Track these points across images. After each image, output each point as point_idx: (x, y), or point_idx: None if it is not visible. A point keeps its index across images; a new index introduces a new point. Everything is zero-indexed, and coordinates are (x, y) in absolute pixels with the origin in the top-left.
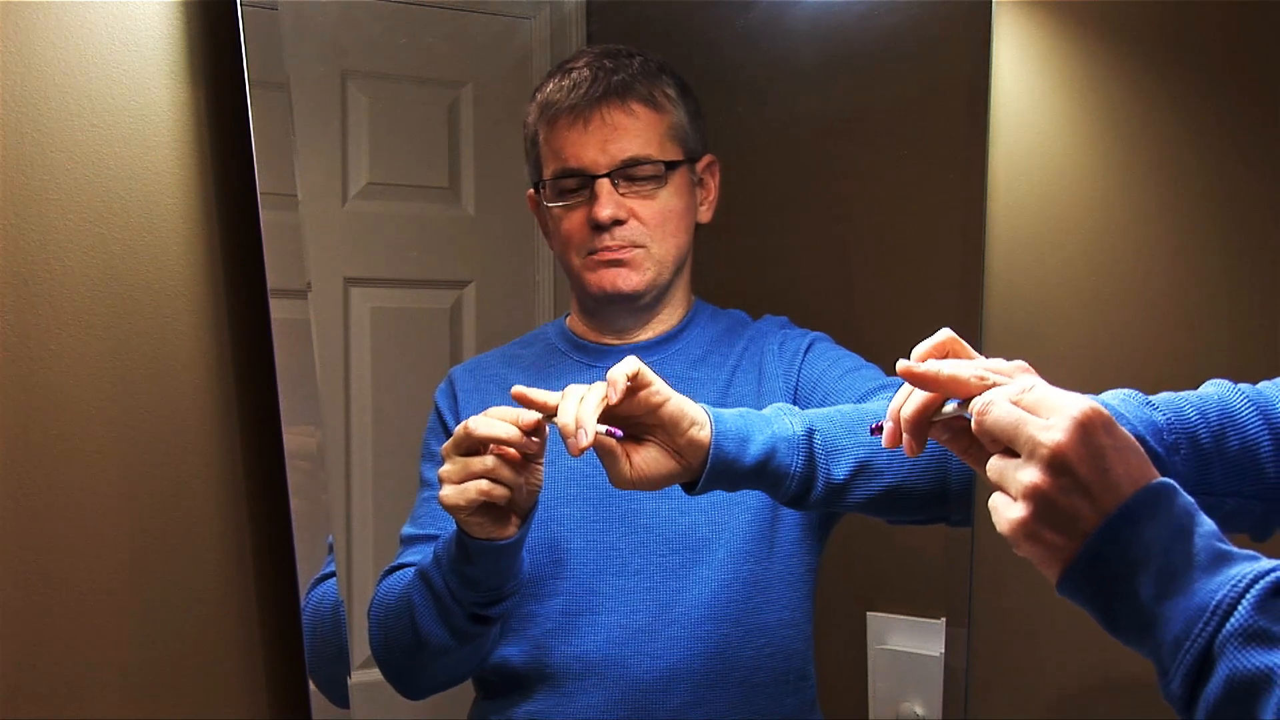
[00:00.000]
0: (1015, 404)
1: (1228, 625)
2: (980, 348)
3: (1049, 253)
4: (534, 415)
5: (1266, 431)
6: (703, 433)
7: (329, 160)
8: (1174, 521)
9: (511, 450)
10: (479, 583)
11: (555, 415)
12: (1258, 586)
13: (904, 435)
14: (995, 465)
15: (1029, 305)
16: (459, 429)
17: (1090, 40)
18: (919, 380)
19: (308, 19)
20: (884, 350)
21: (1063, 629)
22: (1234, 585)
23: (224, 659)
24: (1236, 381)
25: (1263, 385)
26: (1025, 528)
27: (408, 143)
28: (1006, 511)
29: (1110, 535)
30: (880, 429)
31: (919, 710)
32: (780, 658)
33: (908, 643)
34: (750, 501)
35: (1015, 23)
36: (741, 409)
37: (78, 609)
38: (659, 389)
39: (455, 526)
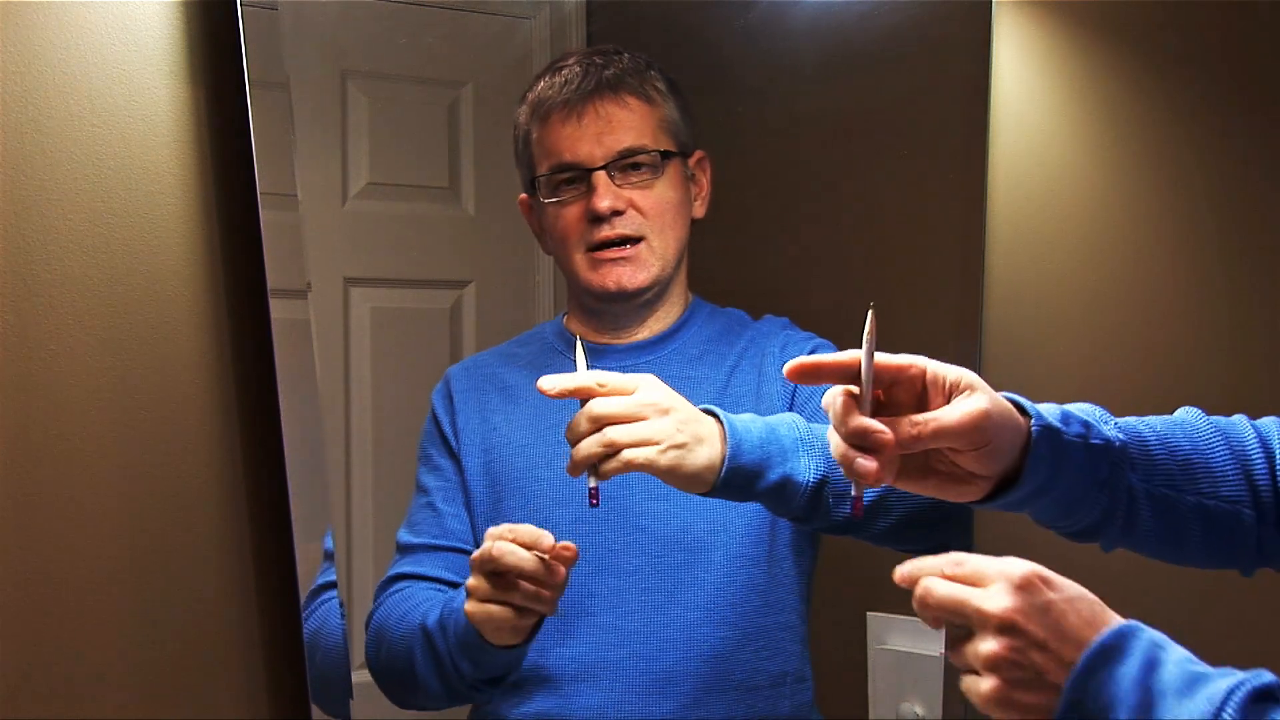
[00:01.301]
0: (953, 579)
1: None
2: (980, 348)
3: (1049, 253)
4: (551, 541)
5: (1221, 442)
6: (714, 463)
7: (329, 160)
8: (1142, 656)
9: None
10: (488, 665)
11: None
12: (1235, 697)
13: (856, 452)
14: (955, 653)
15: (1029, 305)
16: (485, 552)
17: (1090, 40)
18: (803, 371)
19: (308, 19)
20: (884, 351)
21: None
22: (1210, 701)
23: (224, 659)
24: (1235, 385)
25: (1235, 417)
26: (997, 695)
27: (408, 143)
28: (977, 686)
29: (1082, 684)
30: (860, 501)
31: (919, 710)
32: (777, 660)
33: (908, 643)
34: (748, 505)
35: (1015, 23)
36: (766, 429)
37: (78, 609)
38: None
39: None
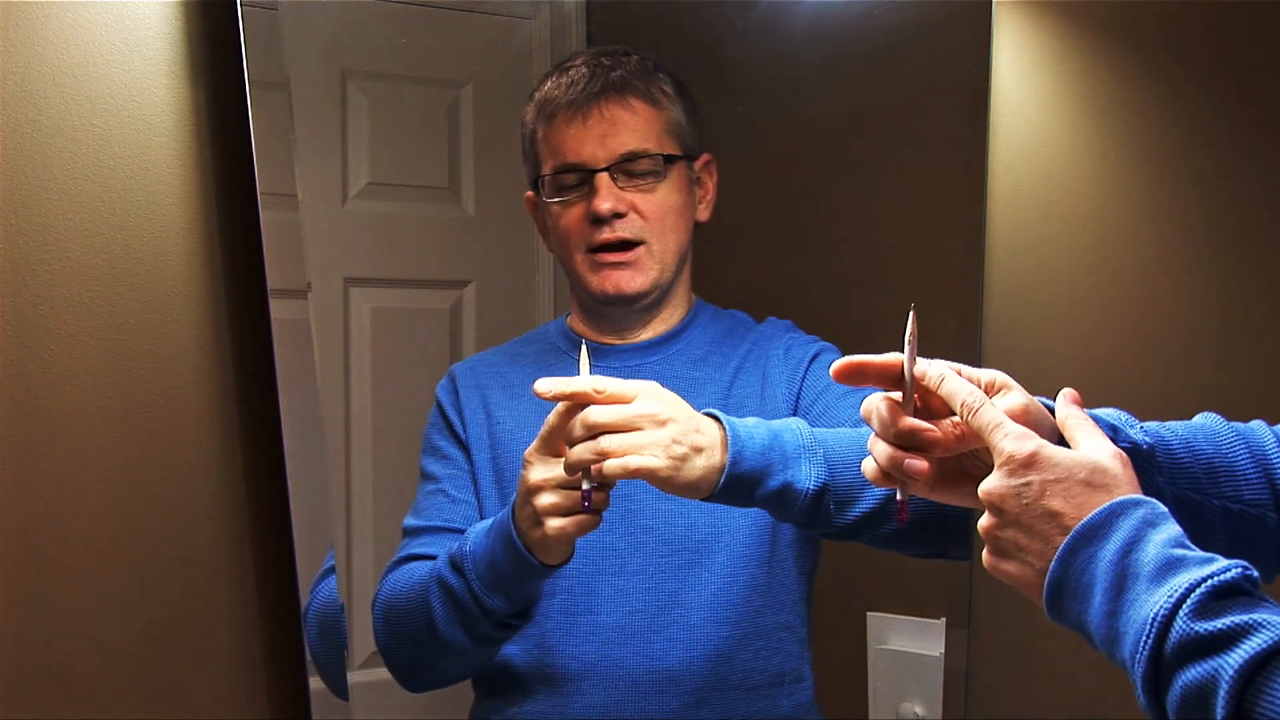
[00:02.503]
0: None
1: (1170, 637)
2: (980, 347)
3: (1049, 253)
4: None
5: (1242, 446)
6: (712, 472)
7: (329, 160)
8: (1126, 535)
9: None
10: (519, 596)
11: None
12: (1196, 593)
13: (905, 454)
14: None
15: (1029, 305)
16: (587, 451)
17: (1090, 40)
18: (849, 371)
19: (308, 19)
20: (883, 351)
21: (1062, 629)
22: (1170, 595)
23: (224, 658)
24: (1233, 384)
25: (1254, 422)
26: (987, 562)
27: (408, 143)
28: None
29: (1065, 563)
30: (906, 507)
31: (919, 710)
32: (778, 660)
33: (908, 643)
34: None
35: (1015, 23)
36: (770, 435)
37: (76, 608)
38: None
39: (502, 546)
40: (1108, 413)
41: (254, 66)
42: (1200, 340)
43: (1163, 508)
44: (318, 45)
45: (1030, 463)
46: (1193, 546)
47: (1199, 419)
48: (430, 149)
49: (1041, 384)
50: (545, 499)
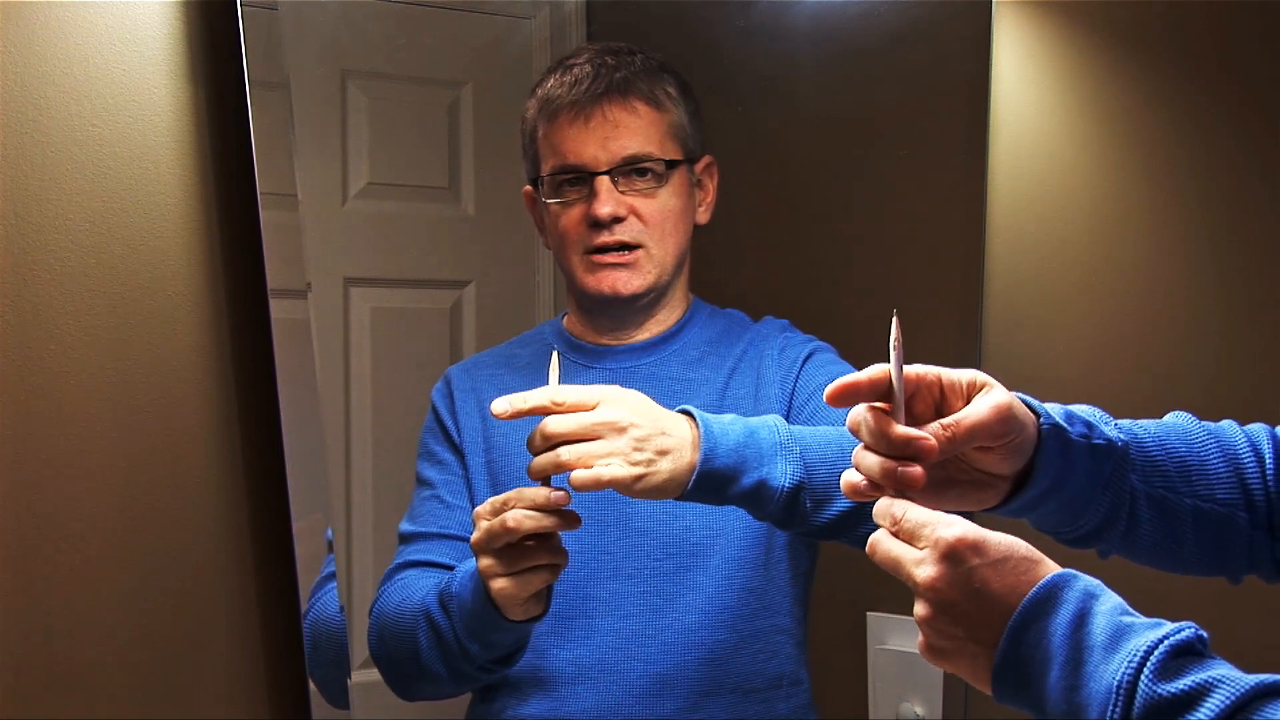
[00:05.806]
0: (895, 535)
1: (1135, 704)
2: (980, 348)
3: (1049, 253)
4: (563, 492)
5: (1214, 445)
6: (681, 473)
7: (329, 160)
8: (1071, 610)
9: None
10: (495, 645)
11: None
12: (1155, 656)
13: (897, 462)
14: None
15: (1029, 305)
16: (499, 525)
17: (1090, 40)
18: (842, 394)
19: (308, 19)
20: (883, 352)
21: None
22: (1130, 661)
23: (224, 659)
24: (1231, 384)
25: (1224, 422)
26: (925, 651)
27: (408, 143)
28: (917, 637)
29: (1017, 638)
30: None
31: (919, 710)
32: (774, 663)
33: (908, 643)
34: None
35: (1015, 23)
36: (745, 432)
37: (77, 610)
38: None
39: (472, 593)
40: (1083, 409)
41: (254, 66)
42: (1200, 340)
43: (1095, 579)
44: (318, 45)
45: (975, 545)
46: (1136, 613)
47: (1170, 417)
48: (430, 149)
49: (1041, 384)
50: (484, 560)
